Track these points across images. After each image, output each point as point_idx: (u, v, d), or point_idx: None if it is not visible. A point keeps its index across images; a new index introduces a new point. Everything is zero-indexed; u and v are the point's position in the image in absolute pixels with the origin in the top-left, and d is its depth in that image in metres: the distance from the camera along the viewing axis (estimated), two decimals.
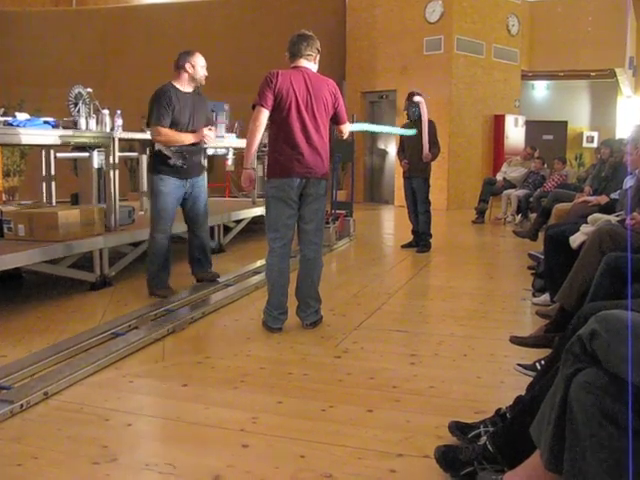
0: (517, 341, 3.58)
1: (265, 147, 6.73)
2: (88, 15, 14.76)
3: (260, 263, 5.78)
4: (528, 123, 13.71)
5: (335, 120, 4.08)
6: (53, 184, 6.24)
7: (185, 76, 4.66)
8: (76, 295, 4.86)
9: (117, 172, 5.36)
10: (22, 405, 2.69)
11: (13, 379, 3.01)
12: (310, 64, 3.95)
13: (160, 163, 4.68)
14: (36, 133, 4.88)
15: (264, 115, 3.81)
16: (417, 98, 6.94)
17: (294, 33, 3.98)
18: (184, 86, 4.67)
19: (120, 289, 5.07)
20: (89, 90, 5.61)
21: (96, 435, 2.50)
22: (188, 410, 2.77)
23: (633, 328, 1.61)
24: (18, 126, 4.73)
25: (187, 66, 4.62)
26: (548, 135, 15.33)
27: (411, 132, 6.48)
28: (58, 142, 5.12)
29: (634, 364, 1.57)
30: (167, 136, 4.63)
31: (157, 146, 4.67)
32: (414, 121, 6.98)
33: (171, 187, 4.71)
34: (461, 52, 12.27)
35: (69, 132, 5.17)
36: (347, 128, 4.24)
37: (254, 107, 3.84)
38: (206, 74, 4.76)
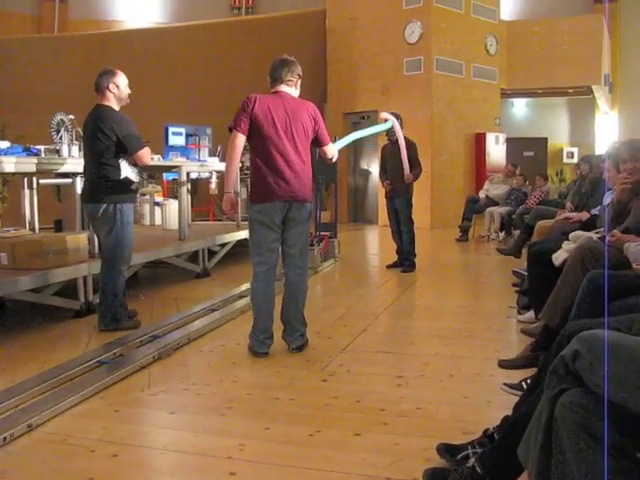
0: (505, 364, 3.57)
1: (248, 170, 6.75)
2: (70, 41, 14.78)
3: (245, 287, 5.76)
4: (509, 140, 13.86)
5: (317, 143, 4.09)
6: (36, 211, 6.20)
7: (111, 97, 4.50)
8: (60, 323, 4.82)
9: None
10: (5, 438, 2.66)
11: None
12: (291, 89, 3.98)
13: (124, 190, 4.52)
14: (18, 161, 4.86)
15: (240, 139, 3.85)
16: (384, 115, 6.72)
17: (276, 58, 4.01)
18: (115, 107, 4.54)
19: None
20: (71, 117, 5.61)
21: (81, 467, 2.47)
22: (175, 439, 2.75)
23: (612, 347, 1.62)
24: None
25: (111, 86, 4.48)
26: (529, 152, 15.50)
27: (387, 126, 6.01)
28: (40, 170, 5.10)
29: (614, 382, 1.59)
30: (149, 155, 4.67)
31: (123, 172, 4.49)
32: (394, 142, 7.02)
33: (132, 214, 4.65)
34: (441, 72, 12.41)
35: (51, 159, 5.15)
36: (331, 149, 4.22)
37: (230, 130, 3.88)
38: (129, 92, 4.62)
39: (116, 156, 4.45)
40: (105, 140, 4.38)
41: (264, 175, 3.85)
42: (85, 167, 4.64)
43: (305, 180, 3.94)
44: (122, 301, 4.66)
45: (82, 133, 4.78)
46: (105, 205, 4.44)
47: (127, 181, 4.52)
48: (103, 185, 4.44)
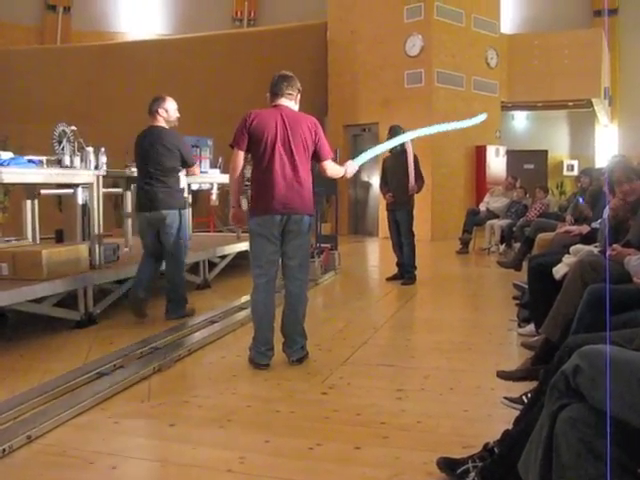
0: (504, 375, 3.57)
1: (249, 181, 6.77)
2: (73, 53, 14.84)
3: (245, 299, 5.75)
4: (509, 153, 13.89)
5: (317, 157, 4.07)
6: (37, 221, 6.21)
7: (161, 119, 5.13)
8: (61, 334, 4.81)
9: (101, 209, 5.37)
10: (4, 450, 2.65)
11: None
12: (291, 103, 4.00)
13: (183, 198, 5.33)
14: (20, 172, 4.87)
15: (240, 156, 3.91)
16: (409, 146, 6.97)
17: (275, 74, 4.04)
18: (165, 127, 5.17)
19: (105, 327, 5.03)
20: (73, 128, 5.63)
21: (80, 479, 2.47)
22: (175, 451, 2.75)
23: (613, 362, 1.62)
24: (2, 165, 4.72)
25: (160, 111, 5.12)
26: (529, 164, 15.52)
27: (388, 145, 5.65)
28: (42, 181, 5.12)
29: (615, 397, 1.59)
30: (199, 167, 5.57)
31: (182, 183, 5.27)
32: (396, 154, 7.04)
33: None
34: (441, 85, 12.46)
35: (53, 171, 5.17)
36: (330, 167, 4.14)
37: (232, 147, 3.93)
38: (178, 115, 5.23)
39: (177, 169, 5.17)
40: (169, 155, 5.06)
41: (262, 188, 3.88)
42: (149, 180, 5.10)
43: (303, 193, 3.93)
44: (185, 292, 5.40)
45: (138, 151, 5.20)
46: (172, 211, 5.08)
47: (183, 190, 5.31)
48: (168, 194, 5.08)
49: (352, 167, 4.31)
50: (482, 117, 5.04)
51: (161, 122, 5.13)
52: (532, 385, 3.02)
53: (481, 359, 4.11)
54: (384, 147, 4.76)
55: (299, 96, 4.06)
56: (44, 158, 5.39)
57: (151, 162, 5.08)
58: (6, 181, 4.91)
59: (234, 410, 3.21)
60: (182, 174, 5.27)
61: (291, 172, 3.88)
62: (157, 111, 5.11)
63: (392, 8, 12.66)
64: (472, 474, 2.24)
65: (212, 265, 7.08)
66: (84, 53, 14.69)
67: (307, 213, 3.97)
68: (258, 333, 3.94)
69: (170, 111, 5.16)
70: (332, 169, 4.18)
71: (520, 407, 2.83)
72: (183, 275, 5.39)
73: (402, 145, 6.93)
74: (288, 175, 3.87)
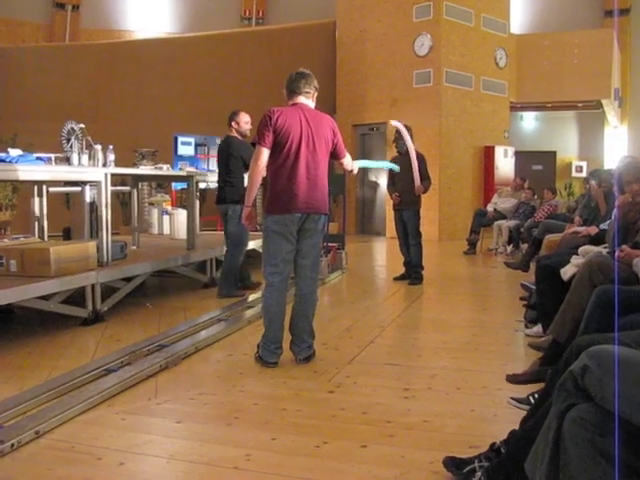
0: (512, 379, 3.54)
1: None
2: (81, 51, 14.88)
3: (252, 297, 5.77)
4: (517, 154, 13.86)
5: (335, 155, 4.12)
6: (45, 218, 6.24)
7: (233, 130, 6.05)
8: (68, 331, 4.83)
9: (109, 207, 5.39)
10: (13, 445, 2.66)
11: (4, 418, 2.97)
12: (308, 101, 4.01)
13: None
14: (29, 169, 4.89)
15: (265, 154, 3.86)
16: (393, 123, 7.04)
17: (292, 71, 4.04)
18: (238, 137, 6.07)
19: (112, 324, 5.05)
20: (81, 126, 5.65)
21: (88, 474, 2.48)
22: (181, 447, 2.75)
23: (622, 362, 1.62)
24: (11, 162, 4.74)
25: (233, 124, 6.06)
26: (537, 165, 15.50)
27: (394, 166, 6.02)
28: (51, 178, 5.13)
29: (623, 398, 1.58)
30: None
31: (245, 183, 5.83)
32: (403, 154, 7.03)
33: None
34: (450, 84, 12.44)
35: (61, 168, 5.18)
36: (349, 160, 4.27)
37: (254, 145, 3.89)
38: (250, 127, 6.03)
39: (242, 171, 5.89)
40: (235, 161, 5.96)
41: (285, 186, 3.86)
42: (220, 180, 6.12)
43: (323, 192, 3.97)
44: (238, 276, 6.25)
45: (217, 155, 6.35)
46: (234, 205, 5.90)
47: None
48: (233, 192, 5.95)
49: (356, 165, 4.45)
50: (392, 165, 5.80)
51: (233, 132, 6.06)
52: (539, 385, 3.02)
53: (488, 359, 4.11)
54: (366, 164, 4.93)
55: (316, 94, 4.06)
56: (52, 155, 5.41)
57: (222, 166, 6.11)
58: (15, 178, 4.94)
59: (241, 408, 3.21)
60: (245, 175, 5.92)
61: (314, 171, 3.90)
62: (231, 123, 6.05)
63: (401, 7, 12.65)
64: (478, 474, 2.23)
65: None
66: (93, 51, 14.73)
67: (324, 212, 4.00)
68: (269, 331, 3.93)
69: (241, 123, 6.04)
70: (347, 162, 4.27)
71: (527, 407, 2.83)
72: (239, 261, 6.19)
73: (404, 146, 6.97)
74: (311, 174, 3.89)
